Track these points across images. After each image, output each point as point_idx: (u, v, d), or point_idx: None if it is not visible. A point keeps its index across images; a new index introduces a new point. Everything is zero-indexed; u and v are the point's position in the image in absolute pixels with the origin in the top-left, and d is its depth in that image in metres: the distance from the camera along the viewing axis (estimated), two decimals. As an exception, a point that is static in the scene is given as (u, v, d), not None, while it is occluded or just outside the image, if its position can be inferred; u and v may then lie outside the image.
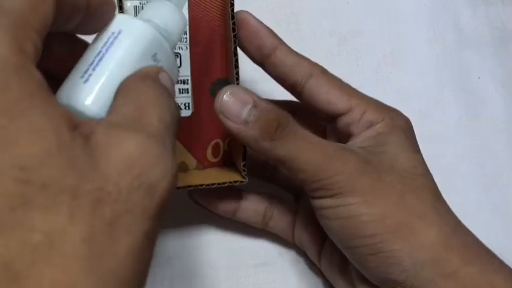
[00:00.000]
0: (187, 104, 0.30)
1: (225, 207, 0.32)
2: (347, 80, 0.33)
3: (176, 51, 0.30)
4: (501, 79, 0.42)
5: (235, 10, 0.28)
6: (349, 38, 0.41)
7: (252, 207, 0.32)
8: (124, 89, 0.19)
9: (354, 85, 0.33)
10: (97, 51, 0.20)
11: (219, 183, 0.29)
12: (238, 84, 0.28)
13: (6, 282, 0.11)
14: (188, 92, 0.30)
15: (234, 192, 0.33)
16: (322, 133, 0.32)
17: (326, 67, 0.31)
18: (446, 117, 0.40)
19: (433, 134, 0.39)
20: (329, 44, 0.40)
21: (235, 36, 0.27)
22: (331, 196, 0.26)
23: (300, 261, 0.35)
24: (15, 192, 0.12)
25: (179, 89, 0.30)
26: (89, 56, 0.20)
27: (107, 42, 0.21)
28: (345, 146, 0.28)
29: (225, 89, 0.26)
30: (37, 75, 0.14)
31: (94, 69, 0.20)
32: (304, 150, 0.26)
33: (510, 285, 0.25)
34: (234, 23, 0.27)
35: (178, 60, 0.30)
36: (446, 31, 0.42)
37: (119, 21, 0.21)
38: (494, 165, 0.40)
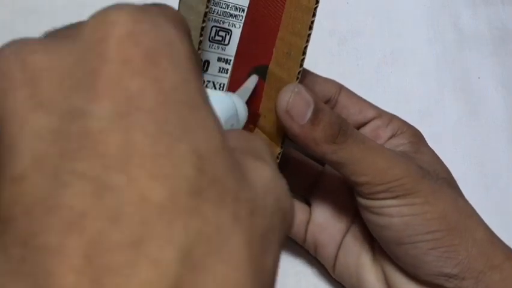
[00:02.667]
0: (222, 85, 0.30)
1: None
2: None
3: (228, 27, 0.29)
4: (501, 79, 0.42)
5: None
6: (349, 38, 0.41)
7: None
8: (235, 133, 0.19)
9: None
10: None
11: None
12: (298, 80, 0.27)
13: (187, 268, 0.11)
14: (227, 73, 0.30)
15: None
16: None
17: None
18: (446, 117, 0.40)
19: (433, 134, 0.39)
20: (329, 44, 0.40)
21: (309, 35, 0.27)
22: (396, 197, 0.27)
23: (300, 261, 0.35)
24: (194, 178, 0.12)
25: (220, 68, 0.29)
26: None
27: None
28: (397, 151, 0.30)
29: (289, 87, 0.26)
30: (202, 78, 0.15)
31: None
32: (367, 154, 0.27)
33: None
34: (313, 22, 0.27)
35: (228, 37, 0.29)
36: (446, 31, 0.42)
37: (206, 90, 0.23)
38: (494, 165, 0.40)
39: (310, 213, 0.32)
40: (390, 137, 0.31)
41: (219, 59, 0.29)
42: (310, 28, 0.27)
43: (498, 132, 0.41)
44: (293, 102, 0.26)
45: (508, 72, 0.42)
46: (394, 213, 0.27)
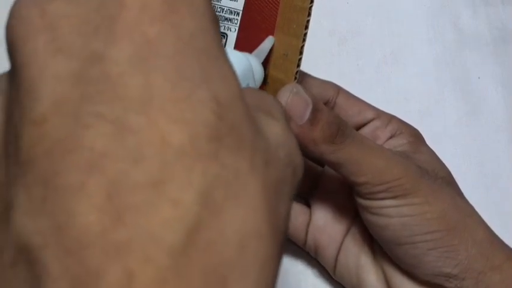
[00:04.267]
0: None
1: None
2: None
3: (224, 31, 0.29)
4: (501, 79, 0.42)
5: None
6: (349, 38, 0.41)
7: None
8: (248, 91, 0.19)
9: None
10: None
11: None
12: (296, 81, 0.28)
13: (207, 211, 0.11)
14: None
15: None
16: None
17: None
18: (446, 117, 0.40)
19: (433, 134, 0.39)
20: (329, 44, 0.40)
21: (305, 34, 0.27)
22: (395, 197, 0.27)
23: (300, 261, 0.35)
24: (213, 124, 0.12)
25: None
26: None
27: None
28: (396, 151, 0.30)
29: (288, 87, 0.26)
30: (219, 33, 0.15)
31: None
32: (366, 154, 0.27)
33: None
34: (308, 21, 0.27)
35: (223, 40, 0.30)
36: (446, 31, 0.42)
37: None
38: (494, 165, 0.40)
39: (310, 215, 0.32)
40: (389, 138, 0.31)
41: None
42: (306, 27, 0.27)
43: (498, 132, 0.41)
44: (291, 102, 0.26)
45: (508, 72, 0.42)
46: (393, 214, 0.27)
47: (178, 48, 0.12)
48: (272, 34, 0.29)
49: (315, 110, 0.26)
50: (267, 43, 0.28)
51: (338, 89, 0.32)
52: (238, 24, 0.29)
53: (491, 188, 0.39)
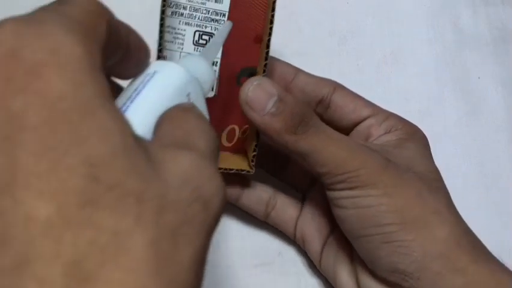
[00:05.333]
0: (212, 86, 0.31)
1: (230, 190, 0.33)
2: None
3: (211, 31, 0.30)
4: (501, 79, 0.42)
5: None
6: (349, 38, 0.41)
7: (256, 194, 0.33)
8: (168, 117, 0.19)
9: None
10: (134, 88, 0.21)
11: (225, 169, 0.30)
12: (266, 61, 0.28)
13: (77, 281, 0.11)
14: (216, 74, 0.31)
15: (240, 177, 0.33)
16: None
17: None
18: (446, 117, 0.40)
19: (433, 134, 0.39)
20: (329, 44, 0.40)
21: (271, 28, 0.28)
22: (352, 188, 0.27)
23: (300, 261, 0.35)
24: (84, 189, 0.12)
25: None
26: (126, 93, 0.21)
27: (143, 80, 0.22)
28: (366, 143, 0.29)
29: (252, 79, 0.27)
30: (105, 80, 0.14)
31: (131, 102, 0.20)
32: (327, 144, 0.27)
33: None
34: (273, 15, 0.28)
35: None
36: (446, 31, 0.42)
37: (155, 65, 0.23)
38: (494, 165, 0.40)
39: (302, 209, 0.33)
40: (383, 135, 0.31)
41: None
42: (271, 22, 0.28)
43: (498, 132, 0.41)
44: (253, 93, 0.26)
45: (508, 72, 0.42)
46: (349, 205, 0.27)
47: (43, 116, 0.12)
48: (261, 33, 0.30)
49: (279, 101, 0.26)
50: (220, 33, 0.27)
51: (335, 86, 0.32)
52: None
53: (491, 188, 0.39)
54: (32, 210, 0.11)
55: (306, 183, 0.34)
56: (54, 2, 0.15)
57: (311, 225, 0.32)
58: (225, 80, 0.31)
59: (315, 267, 0.34)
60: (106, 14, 0.17)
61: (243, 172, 0.30)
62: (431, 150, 0.31)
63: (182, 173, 0.15)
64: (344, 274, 0.30)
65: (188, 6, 0.29)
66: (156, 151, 0.15)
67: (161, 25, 0.28)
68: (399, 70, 0.41)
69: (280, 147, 0.27)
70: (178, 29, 0.30)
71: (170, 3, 0.29)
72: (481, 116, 0.41)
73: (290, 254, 0.35)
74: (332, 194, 0.28)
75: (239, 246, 0.35)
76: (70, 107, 0.12)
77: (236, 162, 0.31)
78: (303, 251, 0.34)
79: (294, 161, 0.34)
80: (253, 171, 0.30)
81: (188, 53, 0.30)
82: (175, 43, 0.30)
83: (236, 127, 0.32)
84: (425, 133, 0.32)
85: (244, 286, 0.34)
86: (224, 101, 0.31)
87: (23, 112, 0.12)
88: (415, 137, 0.31)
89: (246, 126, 0.32)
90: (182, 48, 0.30)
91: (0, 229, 0.11)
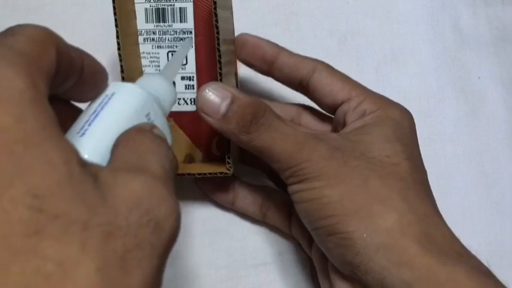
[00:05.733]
0: (192, 99, 0.32)
1: (224, 196, 0.34)
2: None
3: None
4: (501, 79, 0.42)
5: (234, 17, 0.30)
6: (349, 38, 0.41)
7: (249, 196, 0.34)
8: (123, 140, 0.19)
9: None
10: (92, 110, 0.21)
11: (204, 173, 0.31)
12: (221, 80, 0.29)
13: None
14: (194, 88, 0.32)
15: (232, 182, 0.34)
16: (329, 127, 0.33)
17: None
18: (446, 117, 0.40)
19: (433, 134, 0.39)
20: (329, 44, 0.40)
21: (218, 32, 0.28)
22: (299, 182, 0.27)
23: (300, 261, 0.35)
24: (29, 219, 0.12)
25: (186, 85, 0.32)
26: (84, 116, 0.21)
27: (101, 102, 0.22)
28: (318, 134, 0.28)
29: (204, 86, 0.27)
30: (50, 110, 0.14)
31: (89, 125, 0.21)
32: (277, 140, 0.27)
33: (472, 277, 0.23)
34: (216, 20, 0.28)
35: (185, 58, 0.32)
36: (446, 31, 0.42)
37: (113, 86, 0.23)
38: (494, 165, 0.40)
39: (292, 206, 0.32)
40: (354, 121, 0.29)
41: (183, 78, 0.32)
42: (217, 21, 0.28)
43: (498, 132, 0.41)
44: (204, 99, 0.27)
45: (508, 72, 0.42)
46: (298, 200, 0.27)
47: None
48: (232, 42, 0.31)
49: (231, 103, 0.27)
50: (180, 51, 0.29)
51: (314, 67, 0.31)
52: (193, 41, 0.31)
53: (491, 188, 0.39)
54: None
55: None
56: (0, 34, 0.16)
57: (300, 223, 0.32)
58: None
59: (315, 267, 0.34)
60: (54, 41, 0.17)
61: (222, 174, 0.30)
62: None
63: (132, 197, 0.15)
64: (321, 273, 0.30)
65: (157, 31, 0.31)
66: (107, 176, 0.15)
67: (119, 48, 0.29)
68: (399, 70, 0.41)
69: (243, 147, 0.28)
70: (152, 53, 0.32)
71: (141, 31, 0.31)
72: (481, 116, 0.41)
73: (290, 254, 0.35)
74: (288, 189, 0.28)
75: (239, 246, 0.35)
76: (13, 139, 0.13)
77: (216, 167, 0.31)
78: (302, 251, 0.34)
79: None
80: (231, 172, 0.30)
81: (148, 73, 0.31)
82: (152, 66, 0.32)
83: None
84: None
85: (244, 286, 0.34)
86: None
87: None
88: (385, 119, 0.28)
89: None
90: (159, 70, 0.31)
91: None
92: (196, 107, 0.27)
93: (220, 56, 0.28)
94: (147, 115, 0.23)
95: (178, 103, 0.32)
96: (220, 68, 0.29)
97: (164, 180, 0.17)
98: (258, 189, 0.34)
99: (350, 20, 0.41)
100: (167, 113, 0.26)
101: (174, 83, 0.31)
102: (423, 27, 0.42)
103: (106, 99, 0.22)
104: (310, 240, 0.32)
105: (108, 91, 0.23)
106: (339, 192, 0.26)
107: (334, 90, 0.30)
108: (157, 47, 0.31)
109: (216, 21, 0.28)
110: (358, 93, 0.30)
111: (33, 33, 0.16)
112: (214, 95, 0.27)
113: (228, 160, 0.30)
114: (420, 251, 0.24)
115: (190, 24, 0.31)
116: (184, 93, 0.32)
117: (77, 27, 0.36)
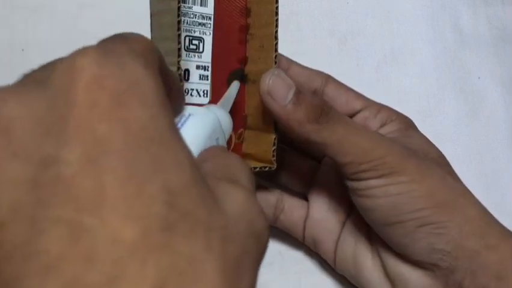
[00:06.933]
0: (205, 92, 0.31)
1: None
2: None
3: (200, 35, 0.30)
4: (501, 79, 0.42)
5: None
6: (349, 38, 0.41)
7: (263, 197, 0.33)
8: (212, 155, 0.20)
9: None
10: None
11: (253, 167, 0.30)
12: (276, 65, 0.28)
13: None
14: (208, 79, 0.31)
15: None
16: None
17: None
18: (446, 117, 0.40)
19: (433, 134, 0.39)
20: (329, 44, 0.40)
21: (277, 20, 0.28)
22: (379, 176, 0.27)
23: (300, 261, 0.35)
24: (164, 214, 0.12)
25: (200, 75, 0.30)
26: None
27: (180, 121, 0.23)
28: (383, 134, 0.30)
29: (270, 71, 0.27)
30: (172, 112, 0.15)
31: None
32: (350, 133, 0.27)
33: None
34: (277, 7, 0.28)
35: (201, 45, 0.30)
36: (446, 31, 0.42)
37: (188, 109, 0.24)
38: (494, 165, 0.40)
39: (308, 210, 0.33)
40: (380, 127, 0.31)
41: (198, 67, 0.30)
42: (276, 14, 0.28)
43: (498, 132, 0.41)
44: (273, 84, 0.27)
45: (508, 72, 0.42)
46: (380, 194, 0.27)
47: (127, 143, 0.13)
48: (245, 33, 0.30)
49: (297, 93, 0.27)
50: (233, 89, 0.29)
51: (327, 78, 0.32)
52: (212, 28, 0.30)
53: (491, 188, 0.39)
54: (118, 232, 0.12)
55: (304, 182, 0.33)
56: (115, 37, 0.16)
57: (321, 224, 0.32)
58: (218, 85, 0.31)
59: (315, 267, 0.34)
60: (158, 52, 0.17)
61: (266, 169, 0.29)
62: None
63: (237, 207, 0.15)
64: (367, 266, 0.30)
65: None
66: (213, 184, 0.15)
67: (179, 35, 0.27)
68: (399, 70, 0.41)
69: (300, 138, 0.27)
70: None
71: (160, 10, 0.29)
72: (481, 116, 0.41)
73: (290, 254, 0.35)
74: (357, 185, 0.28)
75: (239, 246, 0.35)
76: (150, 137, 0.13)
77: (252, 162, 0.30)
78: (303, 250, 0.34)
79: (290, 162, 0.34)
80: (275, 166, 0.29)
81: (211, 104, 0.30)
82: None
83: (232, 133, 0.32)
84: (425, 133, 0.32)
85: (244, 286, 0.34)
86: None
87: (108, 137, 0.12)
88: (412, 125, 0.31)
89: (241, 130, 0.32)
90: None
91: (88, 247, 0.11)
92: (262, 91, 0.27)
93: (276, 44, 0.28)
94: (217, 139, 0.24)
95: (191, 94, 0.31)
96: (276, 57, 0.28)
97: (255, 195, 0.17)
98: (271, 191, 0.33)
99: (350, 20, 0.41)
100: (226, 142, 0.27)
101: (189, 72, 0.30)
102: (423, 27, 0.42)
103: (184, 119, 0.23)
104: (335, 241, 0.32)
105: (184, 112, 0.23)
106: (426, 187, 0.27)
107: (351, 98, 0.32)
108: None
109: (277, 7, 0.28)
110: (372, 103, 0.32)
111: (145, 41, 0.16)
112: (282, 81, 0.27)
113: (273, 153, 0.29)
114: (502, 236, 0.27)
115: (210, 9, 0.30)
116: (198, 83, 0.30)
117: (77, 27, 0.36)
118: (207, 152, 0.20)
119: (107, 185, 0.12)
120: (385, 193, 0.27)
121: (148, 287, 0.11)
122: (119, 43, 0.15)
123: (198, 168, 0.14)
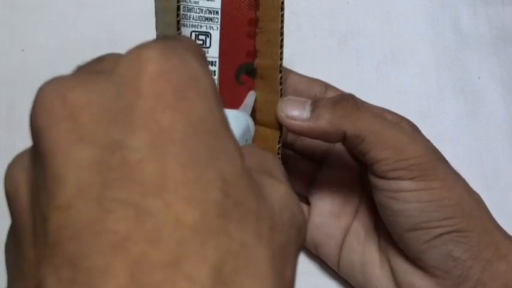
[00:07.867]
0: None
1: None
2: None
3: (207, 30, 0.30)
4: (501, 79, 0.42)
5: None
6: (349, 38, 0.41)
7: None
8: (248, 152, 0.20)
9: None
10: None
11: None
12: (281, 61, 0.28)
13: (219, 284, 0.12)
14: (215, 75, 0.30)
15: None
16: None
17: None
18: (446, 117, 0.40)
19: (433, 134, 0.39)
20: (329, 44, 0.40)
21: (282, 15, 0.28)
22: (412, 178, 0.27)
23: (300, 261, 0.35)
24: (220, 202, 0.13)
25: None
26: None
27: None
28: None
29: (279, 101, 0.28)
30: (223, 108, 0.16)
31: None
32: (386, 126, 0.27)
33: None
34: (283, 2, 0.28)
35: (208, 40, 0.30)
36: (446, 31, 0.42)
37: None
38: (494, 165, 0.40)
39: (309, 213, 0.32)
40: None
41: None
42: (282, 9, 0.28)
43: (498, 132, 0.41)
44: (287, 106, 0.27)
45: (508, 72, 0.42)
46: (411, 199, 0.27)
47: (188, 133, 0.13)
48: (254, 26, 0.30)
49: (314, 102, 0.27)
50: (251, 98, 0.30)
51: (326, 86, 0.32)
52: (219, 23, 0.30)
53: (491, 188, 0.39)
54: (181, 215, 0.12)
55: (305, 185, 0.33)
56: (170, 36, 0.17)
57: (322, 228, 0.32)
58: (225, 80, 0.31)
59: (314, 267, 0.34)
60: (204, 54, 0.18)
61: None
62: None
63: (280, 200, 0.16)
64: (376, 274, 0.30)
65: (182, 7, 0.29)
66: (257, 177, 0.16)
67: (178, 22, 0.27)
68: (399, 70, 0.41)
69: (334, 136, 0.27)
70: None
71: (163, 7, 0.29)
72: (481, 116, 0.41)
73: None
74: (385, 184, 0.27)
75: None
76: (208, 128, 0.14)
77: None
78: (303, 252, 0.34)
79: (291, 164, 0.33)
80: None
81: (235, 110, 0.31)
82: None
83: None
84: (425, 133, 0.32)
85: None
86: (225, 100, 0.31)
87: (171, 126, 0.13)
88: (416, 128, 0.31)
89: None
90: None
91: (153, 228, 0.12)
92: (281, 118, 0.27)
93: (282, 40, 0.28)
94: (246, 140, 0.25)
95: None
96: (281, 53, 0.28)
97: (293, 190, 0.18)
98: None
99: (350, 20, 0.41)
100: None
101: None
102: (423, 27, 0.42)
103: None
104: (339, 244, 0.31)
105: None
106: (456, 195, 0.27)
107: None
108: (182, 25, 0.29)
109: (283, 2, 0.28)
110: (375, 107, 0.32)
111: (195, 43, 0.17)
112: (293, 101, 0.27)
113: (278, 151, 0.29)
114: (510, 245, 0.28)
115: (217, 3, 0.30)
116: None
117: (77, 27, 0.36)
118: (244, 149, 0.20)
119: (170, 170, 0.13)
120: (417, 199, 0.27)
121: (208, 267, 0.12)
122: (177, 41, 0.16)
123: (244, 159, 0.15)
